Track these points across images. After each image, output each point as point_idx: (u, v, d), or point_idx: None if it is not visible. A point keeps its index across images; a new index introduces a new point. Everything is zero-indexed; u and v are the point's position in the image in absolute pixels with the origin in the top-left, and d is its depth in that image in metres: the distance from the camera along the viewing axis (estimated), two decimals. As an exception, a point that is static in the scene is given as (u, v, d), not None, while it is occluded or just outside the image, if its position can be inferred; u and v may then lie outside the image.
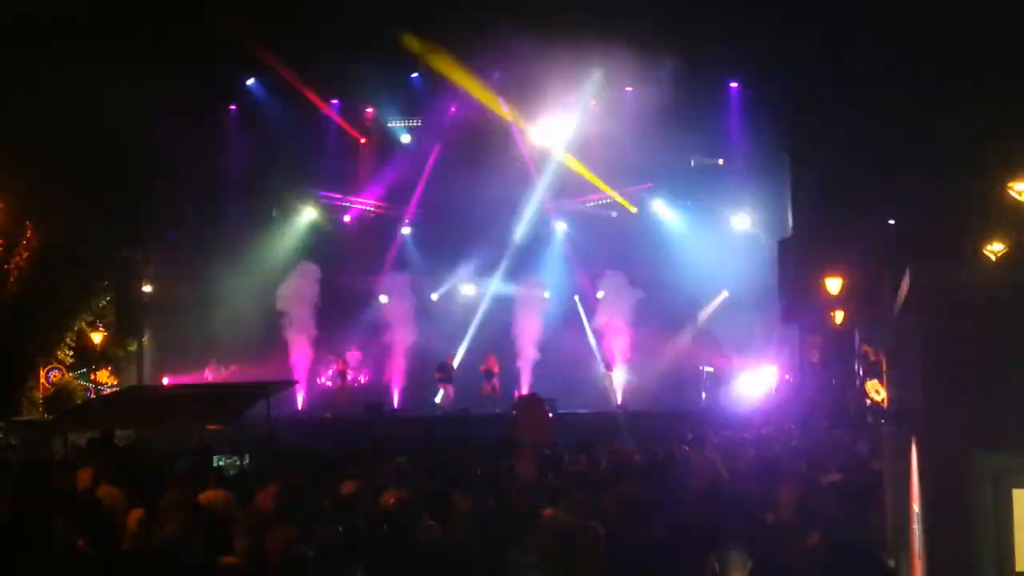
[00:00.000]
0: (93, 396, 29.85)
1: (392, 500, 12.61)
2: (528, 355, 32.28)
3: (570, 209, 33.46)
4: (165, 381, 31.37)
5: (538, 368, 32.38)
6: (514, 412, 22.80)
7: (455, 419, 28.29)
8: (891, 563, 7.85)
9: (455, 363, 32.40)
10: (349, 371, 32.50)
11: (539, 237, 33.13)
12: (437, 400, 31.66)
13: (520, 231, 33.03)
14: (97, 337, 32.23)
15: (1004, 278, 5.65)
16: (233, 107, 34.42)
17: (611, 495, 12.32)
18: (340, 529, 10.13)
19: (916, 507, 6.13)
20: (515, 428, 21.57)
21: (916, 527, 6.19)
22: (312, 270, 32.46)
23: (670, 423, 24.35)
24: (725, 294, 32.60)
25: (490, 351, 32.14)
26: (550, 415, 22.35)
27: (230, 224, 34.79)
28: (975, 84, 28.85)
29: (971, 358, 5.32)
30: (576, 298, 32.95)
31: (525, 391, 31.30)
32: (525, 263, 32.85)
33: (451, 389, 31.64)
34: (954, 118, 28.62)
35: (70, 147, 28.63)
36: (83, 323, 31.85)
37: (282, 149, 33.55)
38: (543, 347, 32.59)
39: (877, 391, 22.03)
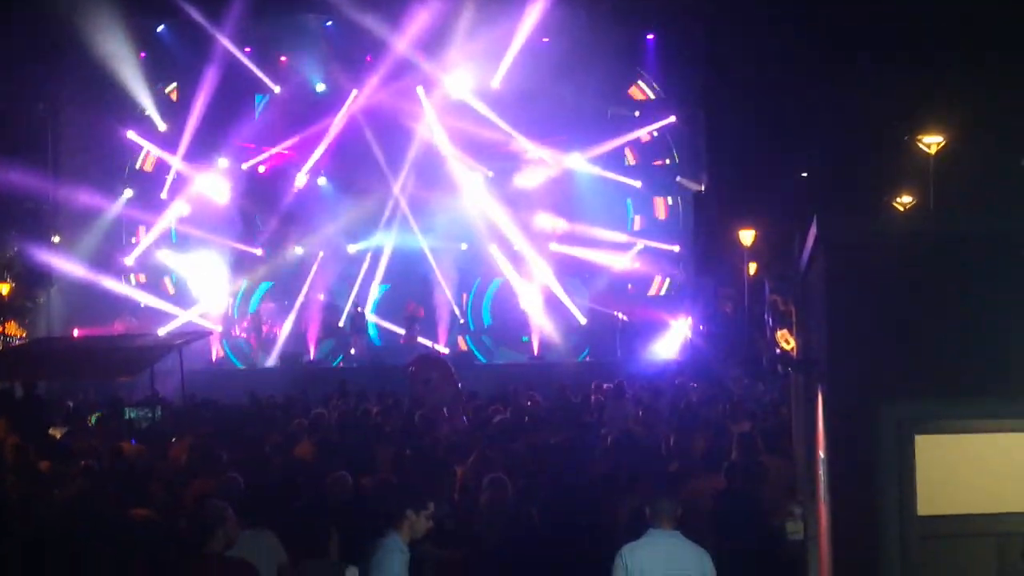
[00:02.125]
0: (1, 348, 29.31)
1: (307, 452, 12.62)
2: (446, 306, 32.26)
3: (487, 162, 33.24)
4: (75, 333, 30.85)
5: (456, 319, 32.46)
6: (411, 369, 21.37)
7: (371, 370, 28.15)
8: (797, 509, 8.02)
9: (367, 313, 32.18)
10: (263, 323, 32.22)
11: (455, 187, 32.90)
12: (352, 351, 31.49)
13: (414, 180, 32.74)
14: (4, 288, 31.58)
15: (907, 230, 5.77)
16: (143, 55, 33.67)
17: (522, 445, 12.47)
18: (247, 482, 10.05)
19: (822, 453, 6.27)
20: (412, 390, 19.96)
21: (822, 473, 6.34)
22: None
23: (588, 373, 24.54)
24: (640, 245, 32.77)
25: (412, 296, 32.04)
26: (451, 373, 21.15)
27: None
28: (886, 37, 29.25)
29: (874, 308, 5.44)
30: (493, 248, 32.85)
31: (442, 343, 31.39)
32: (440, 214, 32.65)
33: (361, 340, 31.46)
34: (866, 72, 29.01)
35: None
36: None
37: (193, 97, 32.92)
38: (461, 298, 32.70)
39: (787, 340, 22.37)
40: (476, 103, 32.49)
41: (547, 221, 32.47)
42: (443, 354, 28.51)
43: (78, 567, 8.44)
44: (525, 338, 32.05)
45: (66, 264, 32.07)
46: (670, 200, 33.19)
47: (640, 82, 33.28)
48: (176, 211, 33.45)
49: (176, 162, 33.20)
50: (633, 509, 8.88)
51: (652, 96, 33.19)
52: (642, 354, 29.89)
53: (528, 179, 32.74)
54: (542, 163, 32.79)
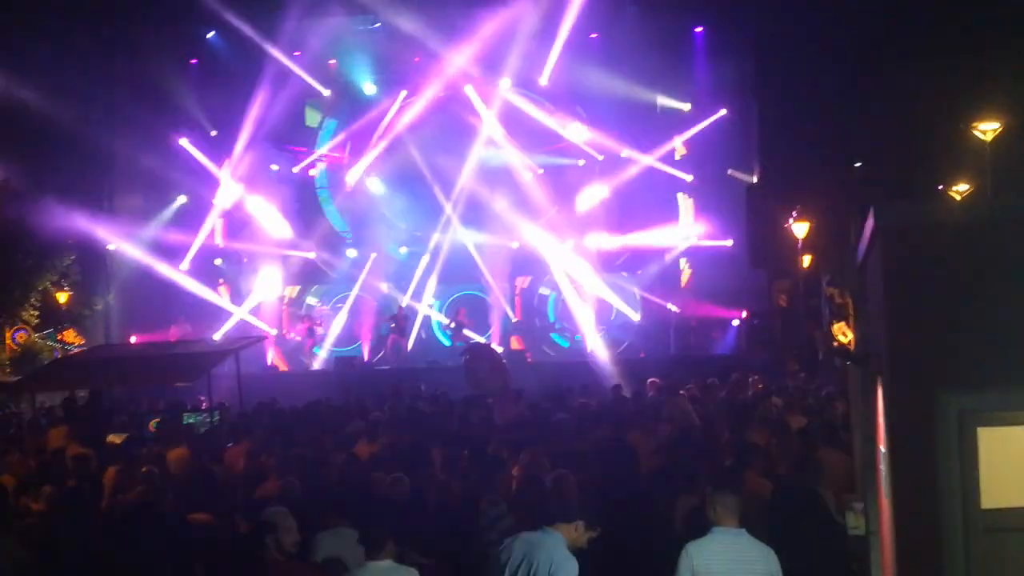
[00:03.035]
0: (60, 356, 29.67)
1: (365, 453, 12.65)
2: (499, 305, 32.31)
3: (537, 159, 33.19)
4: (133, 340, 31.19)
5: (506, 318, 32.48)
6: (464, 358, 22.55)
7: (427, 371, 28.21)
8: (857, 503, 7.92)
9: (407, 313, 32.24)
10: (316, 327, 32.40)
11: (504, 186, 32.87)
12: (402, 352, 31.51)
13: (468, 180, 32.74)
14: (62, 297, 31.97)
15: (966, 218, 5.66)
16: (194, 61, 34.00)
17: (583, 443, 12.42)
18: (311, 485, 10.15)
19: (882, 447, 6.18)
20: (469, 377, 21.47)
21: (883, 467, 6.24)
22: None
23: (641, 369, 24.38)
24: (694, 239, 32.62)
25: (459, 302, 32.18)
26: (501, 362, 22.08)
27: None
28: (941, 26, 28.87)
29: (934, 298, 5.34)
30: (544, 246, 32.81)
31: (496, 340, 31.39)
32: (490, 212, 32.66)
33: (404, 341, 31.49)
34: (920, 60, 28.64)
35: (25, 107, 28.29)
36: (48, 282, 31.55)
37: (245, 103, 33.18)
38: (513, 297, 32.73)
39: (844, 334, 22.14)
40: (525, 102, 32.49)
41: (598, 240, 32.49)
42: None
43: (139, 573, 8.51)
44: (577, 336, 31.98)
45: (121, 271, 32.48)
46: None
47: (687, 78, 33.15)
48: (224, 217, 33.79)
49: (227, 170, 33.48)
50: (693, 507, 8.79)
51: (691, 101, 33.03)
52: (696, 349, 29.75)
53: (585, 201, 32.69)
54: (591, 163, 32.74)
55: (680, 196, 33.09)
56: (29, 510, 11.01)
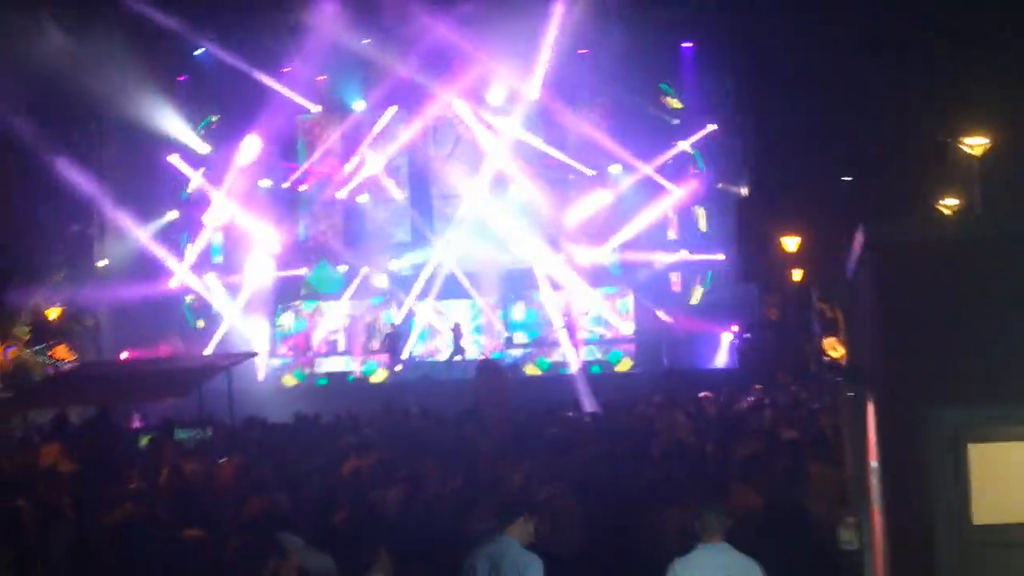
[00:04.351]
0: (52, 372, 29.57)
1: (352, 469, 12.62)
2: (491, 321, 32.32)
3: (528, 175, 33.22)
4: (124, 356, 31.12)
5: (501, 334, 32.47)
6: (476, 377, 22.50)
7: (417, 386, 28.17)
8: (850, 517, 7.92)
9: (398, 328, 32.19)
10: (308, 342, 32.36)
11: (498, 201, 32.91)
12: (397, 369, 31.46)
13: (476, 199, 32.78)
14: (53, 313, 31.87)
15: (956, 234, 5.68)
16: (182, 77, 34.02)
17: (572, 458, 12.41)
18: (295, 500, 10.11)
19: (873, 462, 6.19)
20: (478, 397, 21.24)
21: (874, 481, 6.25)
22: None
23: (636, 384, 24.39)
24: (684, 253, 32.72)
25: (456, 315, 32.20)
26: (507, 383, 22.01)
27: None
28: (928, 41, 28.96)
29: (924, 314, 5.36)
30: (536, 262, 32.87)
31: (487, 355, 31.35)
32: (484, 228, 32.69)
33: (396, 358, 31.44)
34: (908, 75, 28.74)
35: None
36: (39, 299, 31.46)
37: (234, 119, 33.21)
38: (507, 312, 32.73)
39: (834, 348, 22.14)
40: (514, 117, 32.56)
41: (591, 253, 32.50)
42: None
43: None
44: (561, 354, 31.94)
45: (113, 287, 32.42)
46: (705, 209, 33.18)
47: (673, 92, 33.24)
48: (217, 232, 33.79)
49: (217, 187, 33.49)
50: (680, 524, 8.80)
51: (682, 106, 33.08)
52: (689, 363, 29.77)
53: (575, 213, 32.69)
54: (580, 179, 32.80)
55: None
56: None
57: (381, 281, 32.86)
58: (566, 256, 32.43)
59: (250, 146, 33.10)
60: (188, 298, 34.02)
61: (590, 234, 32.62)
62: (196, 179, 33.74)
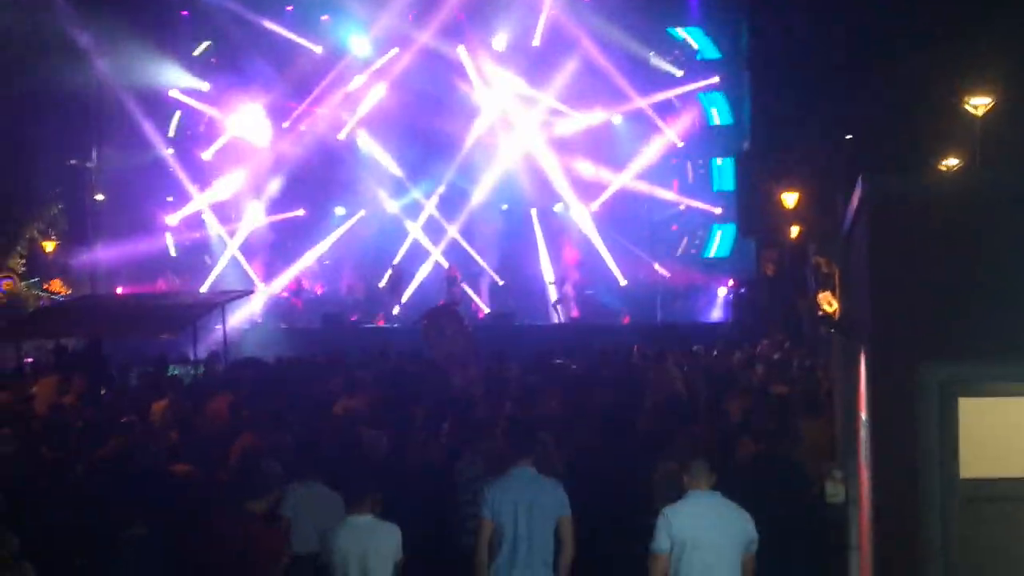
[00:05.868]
0: (47, 304, 29.61)
1: (342, 410, 12.66)
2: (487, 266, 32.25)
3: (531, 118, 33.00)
4: (119, 291, 31.09)
5: (493, 281, 32.35)
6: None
7: (413, 331, 28.07)
8: (837, 472, 7.96)
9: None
10: (304, 281, 32.29)
11: (496, 148, 32.73)
12: (395, 311, 31.36)
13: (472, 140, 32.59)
14: (49, 246, 31.86)
15: (951, 189, 5.66)
16: (185, 12, 33.73)
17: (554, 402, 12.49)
18: (290, 438, 10.15)
19: (864, 415, 6.20)
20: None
21: (863, 435, 6.27)
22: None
23: (630, 336, 24.35)
24: (682, 205, 32.68)
25: (450, 259, 31.99)
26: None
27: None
28: (935, 1, 28.80)
29: (918, 270, 5.35)
30: (533, 211, 32.76)
31: (483, 302, 31.35)
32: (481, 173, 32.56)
33: (397, 301, 31.35)
34: (911, 33, 28.58)
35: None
36: (35, 231, 31.45)
37: (235, 57, 32.98)
38: (502, 259, 32.54)
39: (829, 303, 22.18)
40: (516, 64, 32.34)
41: (590, 169, 32.23)
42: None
43: (115, 524, 8.49)
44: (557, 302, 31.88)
45: (109, 222, 32.35)
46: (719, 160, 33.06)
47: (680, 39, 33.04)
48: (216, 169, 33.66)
49: (216, 113, 33.32)
50: (668, 472, 8.88)
51: (695, 46, 32.91)
52: (683, 317, 29.77)
53: (568, 126, 32.43)
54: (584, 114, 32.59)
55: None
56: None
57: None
58: (564, 205, 32.32)
59: (249, 83, 32.86)
60: (184, 235, 33.87)
61: (589, 170, 32.40)
62: (200, 109, 33.47)
